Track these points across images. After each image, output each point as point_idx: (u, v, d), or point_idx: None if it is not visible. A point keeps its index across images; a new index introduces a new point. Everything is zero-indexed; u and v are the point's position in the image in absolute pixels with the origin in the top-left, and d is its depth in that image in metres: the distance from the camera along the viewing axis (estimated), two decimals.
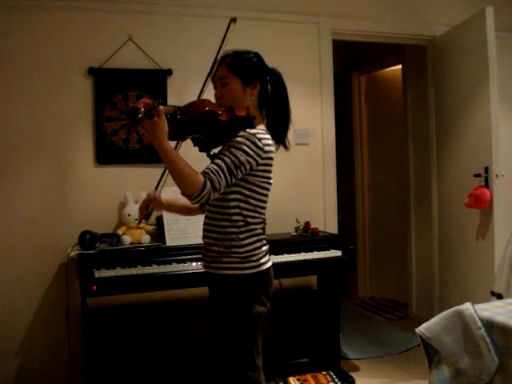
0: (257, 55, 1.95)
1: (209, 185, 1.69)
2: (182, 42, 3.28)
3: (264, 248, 1.91)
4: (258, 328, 1.89)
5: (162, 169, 1.97)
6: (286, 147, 2.00)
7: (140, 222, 2.04)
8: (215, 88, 1.95)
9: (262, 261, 1.88)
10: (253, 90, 1.92)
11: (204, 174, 1.71)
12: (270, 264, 1.93)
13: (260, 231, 1.91)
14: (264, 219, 1.94)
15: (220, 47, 1.94)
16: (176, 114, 1.75)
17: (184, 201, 1.84)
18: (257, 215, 1.88)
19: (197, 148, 1.90)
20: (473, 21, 3.48)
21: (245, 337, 1.86)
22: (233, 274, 1.84)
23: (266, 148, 1.81)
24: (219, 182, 1.72)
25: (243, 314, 1.85)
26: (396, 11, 3.84)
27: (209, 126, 1.81)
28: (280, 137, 1.96)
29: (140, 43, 3.18)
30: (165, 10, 3.26)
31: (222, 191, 1.76)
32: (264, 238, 1.93)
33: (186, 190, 1.70)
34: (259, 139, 1.78)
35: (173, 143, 1.83)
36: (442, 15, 3.94)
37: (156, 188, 2.00)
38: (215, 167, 1.74)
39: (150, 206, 1.96)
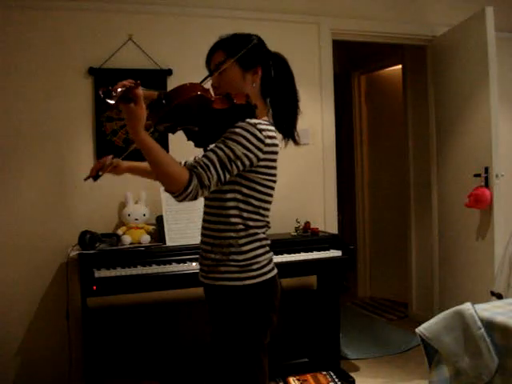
0: (258, 38, 1.73)
1: (195, 181, 1.48)
2: (182, 42, 3.28)
3: (267, 255, 1.69)
4: (262, 347, 1.67)
5: None
6: (295, 142, 1.75)
7: (86, 180, 1.79)
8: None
9: (265, 269, 1.66)
10: (253, 75, 1.69)
11: (191, 168, 1.51)
12: (274, 272, 1.70)
13: (263, 236, 1.68)
14: (267, 222, 1.72)
15: None
16: (160, 99, 1.53)
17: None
18: (259, 218, 1.66)
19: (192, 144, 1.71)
20: (473, 21, 3.48)
21: (246, 359, 1.65)
22: (231, 285, 1.63)
23: (268, 141, 1.59)
24: (209, 178, 1.50)
25: (243, 332, 1.64)
26: (396, 11, 3.84)
27: (201, 115, 1.58)
28: (288, 130, 1.73)
29: (140, 43, 3.18)
30: (165, 10, 3.26)
31: (213, 189, 1.55)
32: (267, 244, 1.71)
33: (169, 187, 1.50)
34: (260, 130, 1.56)
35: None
36: (442, 15, 3.94)
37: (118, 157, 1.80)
38: (205, 161, 1.52)
39: (103, 169, 1.76)
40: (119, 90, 1.43)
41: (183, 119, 1.59)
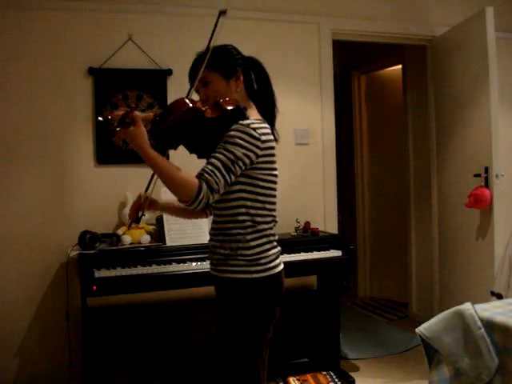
0: (232, 46, 1.85)
1: (205, 187, 1.58)
2: (182, 42, 3.27)
3: (274, 250, 1.78)
4: (265, 338, 1.76)
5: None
6: (275, 139, 1.82)
7: (130, 226, 1.93)
8: (198, 92, 1.83)
9: (272, 264, 1.75)
10: (236, 81, 1.80)
11: (198, 175, 1.60)
12: (280, 268, 1.81)
13: (270, 232, 1.77)
14: (274, 217, 1.80)
15: (209, 42, 1.78)
16: (156, 119, 1.64)
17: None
18: (266, 213, 1.75)
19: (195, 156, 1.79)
20: (473, 21, 3.48)
21: (248, 347, 1.74)
22: (239, 277, 1.71)
23: (264, 138, 1.68)
24: (216, 183, 1.60)
25: (248, 322, 1.73)
26: (396, 11, 3.84)
27: (197, 126, 1.68)
28: None
29: (140, 43, 3.18)
30: (165, 10, 3.26)
31: (222, 192, 1.65)
32: (275, 240, 1.80)
33: (181, 196, 1.59)
34: (254, 129, 1.66)
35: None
36: (442, 15, 3.94)
37: (146, 189, 1.86)
38: (210, 167, 1.61)
39: (141, 209, 1.85)
40: (117, 115, 1.53)
41: (181, 133, 1.68)
